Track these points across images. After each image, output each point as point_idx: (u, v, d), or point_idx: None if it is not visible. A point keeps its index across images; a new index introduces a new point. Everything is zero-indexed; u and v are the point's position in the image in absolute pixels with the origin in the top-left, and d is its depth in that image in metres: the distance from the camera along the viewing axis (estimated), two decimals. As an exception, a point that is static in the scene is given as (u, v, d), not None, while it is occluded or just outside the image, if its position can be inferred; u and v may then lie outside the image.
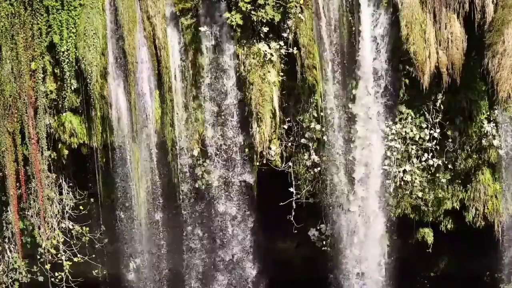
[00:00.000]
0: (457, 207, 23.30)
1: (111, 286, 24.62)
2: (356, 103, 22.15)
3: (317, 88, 22.05)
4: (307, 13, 21.66)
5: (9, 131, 22.74)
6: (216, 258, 23.55)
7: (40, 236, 23.48)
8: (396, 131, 22.45)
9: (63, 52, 22.11)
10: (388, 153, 22.55)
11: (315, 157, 22.71)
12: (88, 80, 22.14)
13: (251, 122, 22.09)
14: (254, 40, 21.65)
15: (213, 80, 22.13)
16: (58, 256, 23.79)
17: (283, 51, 21.81)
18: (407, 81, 22.04)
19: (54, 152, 23.12)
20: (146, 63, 22.11)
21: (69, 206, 23.78)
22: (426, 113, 22.44)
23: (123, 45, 21.89)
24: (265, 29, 21.49)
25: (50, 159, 23.09)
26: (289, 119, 22.66)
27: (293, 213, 23.14)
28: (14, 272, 24.06)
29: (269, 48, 21.68)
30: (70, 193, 23.82)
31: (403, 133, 22.49)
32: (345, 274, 23.30)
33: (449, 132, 22.55)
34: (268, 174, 22.91)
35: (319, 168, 22.79)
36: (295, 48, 21.82)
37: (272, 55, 21.69)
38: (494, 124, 22.25)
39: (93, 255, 24.21)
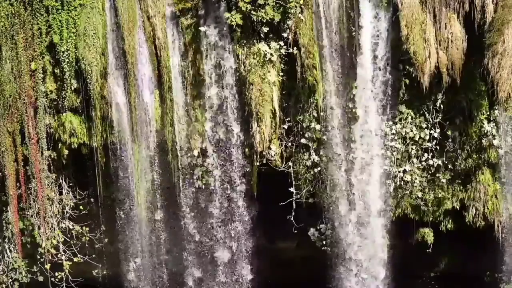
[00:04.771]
0: (457, 207, 23.31)
1: (111, 286, 24.63)
2: (356, 103, 22.15)
3: (317, 88, 22.06)
4: (307, 13, 21.66)
5: (9, 131, 22.74)
6: (215, 258, 23.53)
7: (40, 236, 23.48)
8: (396, 131, 22.45)
9: (63, 52, 22.11)
10: (388, 153, 22.56)
11: (315, 157, 22.71)
12: (88, 80, 22.14)
13: (251, 122, 22.09)
14: (254, 40, 21.65)
15: (213, 80, 22.13)
16: (58, 256, 23.79)
17: (283, 51, 21.81)
18: (407, 81, 22.05)
19: (54, 152, 23.12)
20: (146, 63, 22.12)
21: (69, 206, 23.77)
22: (426, 113, 22.44)
23: (123, 45, 21.90)
24: (265, 29, 21.50)
25: (50, 159, 23.09)
26: (289, 119, 22.66)
27: (293, 213, 23.15)
28: (14, 272, 24.07)
29: (269, 48, 21.68)
30: (70, 193, 23.81)
31: (403, 133, 22.50)
32: (344, 274, 23.29)
33: (449, 132, 22.56)
34: (268, 174, 22.91)
35: (319, 168, 22.80)
36: (295, 48, 21.82)
37: (272, 55, 21.69)
38: (494, 124, 22.26)
39: (93, 255, 24.22)
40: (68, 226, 23.83)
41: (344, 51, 21.95)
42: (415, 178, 22.89)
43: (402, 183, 22.94)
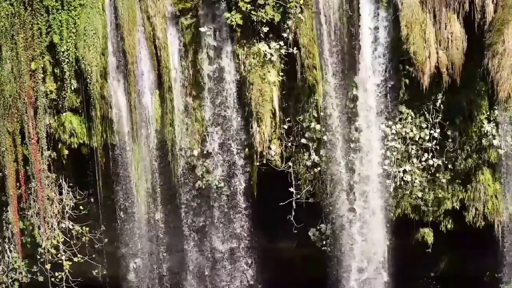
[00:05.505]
0: (457, 207, 23.30)
1: (111, 286, 24.62)
2: (356, 103, 22.15)
3: (317, 88, 22.06)
4: (307, 13, 21.66)
5: (9, 131, 22.76)
6: (215, 258, 23.53)
7: (40, 236, 23.50)
8: (396, 131, 22.45)
9: (63, 52, 22.12)
10: (388, 153, 22.55)
11: (315, 157, 22.70)
12: (88, 80, 22.15)
13: (251, 122, 22.09)
14: (254, 40, 21.66)
15: (213, 80, 22.13)
16: (58, 256, 23.80)
17: (283, 51, 21.82)
18: (407, 81, 22.04)
19: (54, 152, 23.13)
20: (146, 63, 22.12)
21: (69, 206, 23.78)
22: (426, 113, 22.44)
23: (123, 45, 21.90)
24: (265, 29, 21.50)
25: (50, 159, 23.10)
26: (289, 119, 22.66)
27: (293, 213, 23.14)
28: (14, 272, 24.08)
29: (269, 48, 21.68)
30: (70, 193, 23.82)
31: (403, 133, 22.49)
32: (345, 274, 23.29)
33: (449, 132, 22.55)
34: (268, 174, 22.91)
35: (319, 168, 22.80)
36: (295, 48, 21.82)
37: (272, 55, 21.69)
38: (494, 124, 22.25)
39: (93, 255, 24.22)
40: (68, 226, 23.84)
41: (344, 51, 21.95)
42: (415, 178, 22.88)
43: (402, 183, 22.93)
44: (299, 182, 23.15)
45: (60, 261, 23.84)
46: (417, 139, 22.57)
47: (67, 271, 23.84)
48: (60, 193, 23.71)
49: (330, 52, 21.85)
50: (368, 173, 22.58)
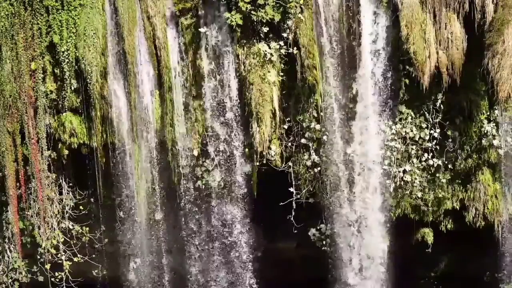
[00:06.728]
0: (457, 207, 23.31)
1: (111, 286, 24.63)
2: (356, 102, 22.15)
3: (317, 88, 22.06)
4: (307, 13, 21.67)
5: (9, 131, 22.75)
6: (215, 258, 23.54)
7: (40, 236, 23.49)
8: (396, 131, 22.46)
9: (63, 52, 22.12)
10: (388, 153, 22.56)
11: (315, 157, 22.71)
12: (88, 80, 22.15)
13: (251, 122, 22.09)
14: (254, 40, 21.66)
15: (213, 80, 22.13)
16: (58, 256, 23.79)
17: (283, 51, 21.82)
18: (407, 81, 22.05)
19: (54, 152, 23.13)
20: (146, 63, 22.12)
21: (69, 206, 23.78)
22: (426, 113, 22.45)
23: (123, 45, 21.90)
24: (265, 29, 21.50)
25: (50, 159, 23.10)
26: (289, 119, 22.66)
27: (293, 213, 23.14)
28: (14, 272, 24.07)
29: (269, 48, 21.68)
30: (70, 193, 23.82)
31: (403, 133, 22.50)
32: (344, 274, 23.29)
33: (449, 132, 22.56)
34: (268, 174, 22.91)
35: (319, 168, 22.80)
36: (295, 48, 21.82)
37: (272, 55, 21.70)
38: (494, 124, 22.26)
39: (93, 255, 24.22)
40: (68, 226, 23.83)
41: (344, 51, 21.95)
42: (415, 178, 22.88)
43: (402, 183, 22.94)
44: (299, 182, 23.15)
45: (60, 261, 23.83)
46: (417, 139, 22.57)
47: (67, 271, 23.83)
48: (60, 193, 23.71)
49: (330, 52, 21.85)
50: (368, 173, 22.59)
